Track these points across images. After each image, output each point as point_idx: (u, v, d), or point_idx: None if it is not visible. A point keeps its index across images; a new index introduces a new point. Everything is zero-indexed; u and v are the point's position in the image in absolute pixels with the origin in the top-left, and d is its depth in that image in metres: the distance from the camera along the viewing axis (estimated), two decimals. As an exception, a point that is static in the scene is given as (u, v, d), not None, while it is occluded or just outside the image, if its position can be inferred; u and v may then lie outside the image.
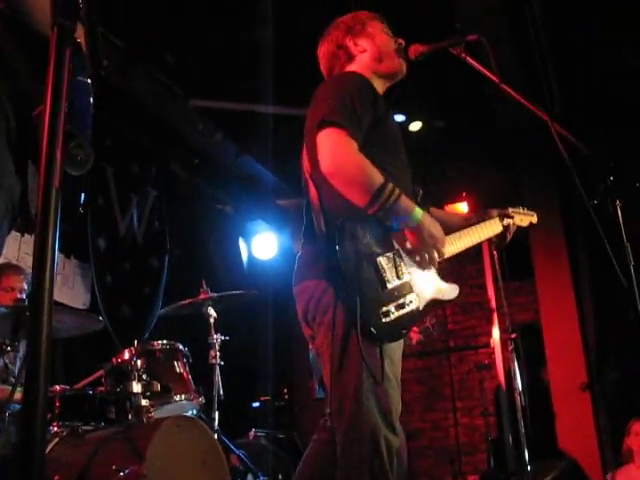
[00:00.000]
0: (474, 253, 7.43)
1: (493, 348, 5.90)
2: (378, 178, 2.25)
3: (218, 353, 4.49)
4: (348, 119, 2.29)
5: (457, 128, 6.94)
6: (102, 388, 3.62)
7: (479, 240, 2.83)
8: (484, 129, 6.83)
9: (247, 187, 7.40)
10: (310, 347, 2.75)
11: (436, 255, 2.39)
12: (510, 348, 5.27)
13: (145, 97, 5.78)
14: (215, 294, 4.55)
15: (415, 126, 6.81)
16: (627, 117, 6.03)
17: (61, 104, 1.19)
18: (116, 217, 5.96)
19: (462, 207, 6.95)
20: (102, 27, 1.42)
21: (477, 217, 2.96)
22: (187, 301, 4.53)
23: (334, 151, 2.26)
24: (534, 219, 3.22)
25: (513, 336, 5.25)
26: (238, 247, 7.70)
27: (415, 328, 5.35)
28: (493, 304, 5.93)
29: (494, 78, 2.78)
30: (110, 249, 5.78)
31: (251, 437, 5.11)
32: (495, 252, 5.65)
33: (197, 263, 6.79)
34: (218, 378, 4.44)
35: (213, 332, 4.53)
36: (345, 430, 2.24)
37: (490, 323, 6.79)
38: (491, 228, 2.91)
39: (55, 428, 3.26)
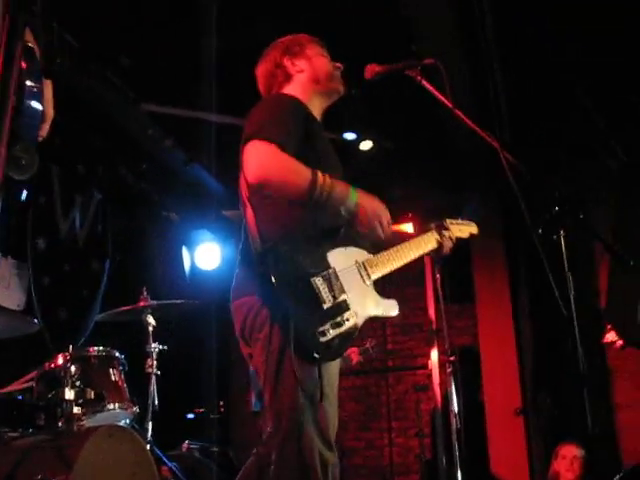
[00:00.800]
0: (416, 275, 7.48)
1: (431, 369, 5.94)
2: (306, 171, 2.29)
3: (155, 362, 4.42)
4: (275, 133, 2.31)
5: (406, 149, 7.00)
6: (33, 393, 3.50)
7: (417, 254, 2.83)
8: (433, 151, 6.91)
9: (194, 195, 7.32)
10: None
11: (385, 223, 2.42)
12: (448, 370, 5.31)
13: (97, 98, 5.68)
14: (155, 302, 4.48)
15: (365, 145, 6.84)
16: (576, 149, 6.18)
17: (8, 99, 1.15)
18: (58, 218, 5.82)
19: (407, 227, 6.98)
20: (56, 25, 1.38)
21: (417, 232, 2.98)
22: (126, 307, 4.44)
23: (259, 159, 2.28)
24: (474, 229, 3.21)
25: (452, 359, 5.30)
26: (181, 256, 7.61)
27: (355, 349, 5.36)
28: (434, 325, 5.97)
29: (448, 103, 2.81)
30: (49, 250, 5.63)
31: (184, 449, 5.03)
32: (438, 274, 5.71)
33: (139, 269, 6.67)
34: (154, 388, 4.37)
35: (151, 340, 4.46)
36: (280, 446, 2.25)
37: (429, 345, 6.84)
38: (428, 241, 2.92)
39: (-21, 434, 3.14)
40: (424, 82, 2.81)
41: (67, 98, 5.44)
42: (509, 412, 6.42)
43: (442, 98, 2.81)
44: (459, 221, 3.13)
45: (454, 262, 6.81)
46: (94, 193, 6.30)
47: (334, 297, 2.29)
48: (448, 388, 5.28)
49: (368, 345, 5.64)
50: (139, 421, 4.13)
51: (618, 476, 4.55)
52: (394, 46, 5.13)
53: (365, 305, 2.43)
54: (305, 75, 2.72)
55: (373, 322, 7.90)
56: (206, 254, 7.67)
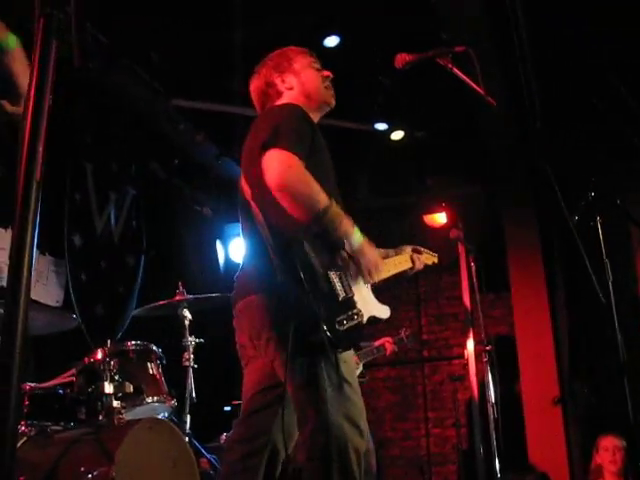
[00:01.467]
0: (450, 264, 7.45)
1: (467, 359, 5.91)
2: (324, 198, 2.33)
3: (192, 356, 4.45)
4: (293, 143, 2.36)
5: (438, 139, 6.96)
6: (73, 388, 3.55)
7: (393, 272, 2.95)
8: (465, 141, 6.85)
9: (226, 189, 7.35)
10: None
11: (375, 275, 2.50)
12: (484, 360, 5.28)
13: (127, 95, 5.73)
14: (191, 296, 4.51)
15: (397, 135, 6.82)
16: (608, 136, 6.09)
17: (45, 97, 1.16)
18: (93, 215, 5.88)
19: (440, 217, 6.95)
20: (89, 24, 1.40)
21: (394, 251, 3.13)
22: (162, 302, 4.48)
23: (283, 168, 2.32)
24: (435, 260, 3.40)
25: (488, 348, 5.27)
26: (215, 249, 7.65)
27: (389, 339, 5.36)
28: (470, 315, 5.94)
29: (480, 90, 2.79)
30: (86, 247, 5.70)
31: (222, 441, 5.06)
32: (472, 263, 5.68)
33: (173, 264, 6.73)
34: (191, 381, 4.40)
35: (187, 334, 4.49)
36: (310, 438, 2.29)
37: (464, 334, 6.81)
38: (405, 262, 3.07)
39: (23, 427, 3.19)
40: (455, 70, 2.79)
41: (97, 95, 5.50)
42: (546, 401, 6.36)
43: (474, 86, 2.79)
44: (426, 250, 3.36)
45: (489, 251, 6.84)
46: (128, 189, 6.35)
47: (346, 292, 2.36)
48: (485, 378, 5.25)
49: (402, 335, 5.62)
50: (177, 414, 4.17)
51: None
52: (424, 35, 5.11)
53: (367, 305, 2.52)
54: (295, 92, 2.75)
55: (408, 312, 7.85)
56: (240, 247, 7.70)
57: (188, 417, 4.27)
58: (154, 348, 3.99)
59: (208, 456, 4.34)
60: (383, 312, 2.68)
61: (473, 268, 5.64)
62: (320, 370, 2.26)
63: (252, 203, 2.50)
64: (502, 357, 6.12)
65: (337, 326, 2.25)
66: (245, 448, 2.49)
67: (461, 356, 7.22)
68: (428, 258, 3.34)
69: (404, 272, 3.06)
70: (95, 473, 2.85)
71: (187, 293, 4.52)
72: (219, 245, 7.73)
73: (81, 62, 1.20)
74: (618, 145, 6.11)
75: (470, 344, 5.88)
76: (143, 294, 6.04)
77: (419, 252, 3.20)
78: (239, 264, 2.69)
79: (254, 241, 2.49)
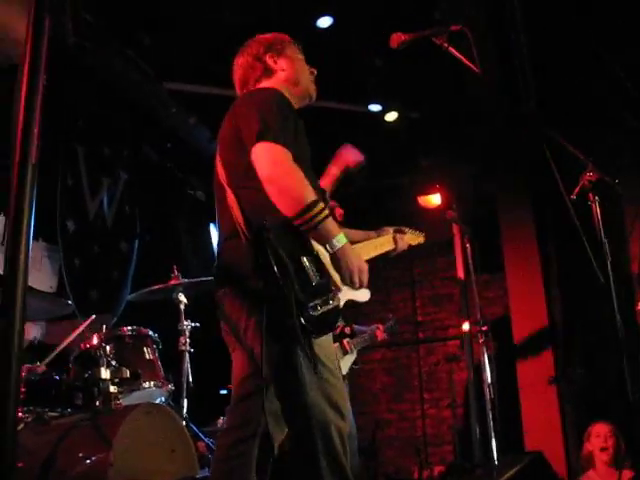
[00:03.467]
0: (445, 245, 7.44)
1: (463, 340, 5.92)
2: (311, 194, 2.31)
3: (188, 340, 4.44)
4: (283, 135, 2.36)
5: (432, 120, 6.94)
6: (69, 374, 3.54)
7: (374, 254, 2.96)
8: (459, 122, 6.83)
9: (220, 173, 7.32)
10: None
11: (358, 282, 2.42)
12: (480, 341, 5.29)
13: (119, 78, 5.67)
14: (186, 280, 4.49)
15: (391, 116, 6.80)
16: (602, 114, 6.07)
17: (39, 76, 1.14)
18: (86, 199, 5.85)
19: (434, 199, 6.93)
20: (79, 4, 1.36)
21: (376, 233, 3.17)
22: (158, 286, 4.46)
23: (274, 160, 2.33)
24: (421, 239, 3.44)
25: (484, 328, 5.27)
26: (209, 233, 7.63)
27: (380, 326, 5.32)
28: (465, 296, 5.94)
29: (475, 69, 2.77)
30: (79, 232, 5.67)
31: (219, 425, 5.06)
32: (468, 244, 5.67)
33: (167, 248, 6.70)
34: (187, 365, 4.40)
35: (183, 318, 4.48)
36: (294, 423, 2.32)
37: (459, 315, 6.82)
38: (387, 243, 3.09)
39: (20, 414, 3.18)
40: (451, 49, 2.77)
41: (89, 79, 5.44)
42: (542, 382, 6.38)
43: (470, 65, 2.76)
44: (412, 230, 3.38)
45: (483, 232, 6.82)
46: (120, 174, 6.32)
47: (320, 276, 2.33)
48: (480, 358, 5.26)
49: (392, 323, 5.58)
50: (174, 398, 4.17)
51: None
52: (417, 15, 5.07)
53: (343, 289, 2.47)
54: (285, 74, 2.75)
55: (402, 293, 7.84)
56: (214, 230, 7.69)
57: (185, 401, 4.27)
58: (150, 333, 3.99)
59: (205, 440, 4.34)
60: (361, 295, 2.70)
61: (468, 249, 5.63)
62: (295, 356, 2.25)
63: (226, 187, 2.50)
64: (497, 338, 6.13)
65: (311, 311, 2.23)
66: (237, 434, 2.50)
67: (456, 337, 7.24)
68: (412, 238, 3.34)
69: (386, 253, 3.05)
70: (93, 458, 2.85)
71: (182, 277, 4.50)
72: (213, 229, 7.71)
73: (76, 40, 1.17)
74: (612, 124, 6.11)
75: (466, 325, 5.88)
76: (138, 279, 6.02)
77: (402, 232, 3.21)
78: (216, 246, 2.68)
79: (227, 226, 2.48)
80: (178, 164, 7.03)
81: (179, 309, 4.48)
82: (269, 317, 2.24)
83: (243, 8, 5.32)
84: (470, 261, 5.59)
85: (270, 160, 2.33)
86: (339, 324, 4.62)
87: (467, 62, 2.79)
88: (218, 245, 2.62)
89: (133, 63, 5.57)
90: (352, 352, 4.56)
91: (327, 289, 2.35)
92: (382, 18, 5.18)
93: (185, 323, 4.45)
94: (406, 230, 3.31)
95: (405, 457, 7.61)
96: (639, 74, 5.75)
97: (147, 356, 3.86)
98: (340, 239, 2.35)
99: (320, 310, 2.26)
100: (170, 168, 6.96)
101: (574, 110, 6.15)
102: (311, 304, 2.25)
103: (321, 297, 2.29)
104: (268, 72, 2.75)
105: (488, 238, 7.04)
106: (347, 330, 4.85)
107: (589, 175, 2.83)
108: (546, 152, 2.56)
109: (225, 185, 2.52)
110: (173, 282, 4.47)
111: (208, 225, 7.66)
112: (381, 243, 3.06)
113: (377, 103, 6.66)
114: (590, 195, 2.83)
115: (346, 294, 2.51)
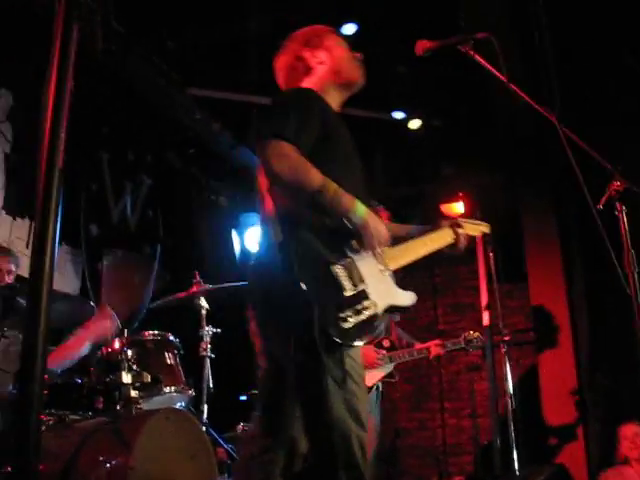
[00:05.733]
0: (467, 254, 7.38)
1: (484, 350, 5.86)
2: (317, 178, 2.27)
3: (209, 345, 4.44)
4: (290, 131, 2.31)
5: (455, 127, 6.91)
6: (91, 377, 3.56)
7: (431, 249, 2.81)
8: (482, 129, 6.80)
9: (242, 179, 7.33)
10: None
11: (380, 246, 2.37)
12: (502, 350, 5.24)
13: (143, 84, 5.71)
14: (208, 286, 4.49)
15: (414, 124, 6.78)
16: (629, 119, 6.00)
17: (67, 82, 1.14)
18: (109, 204, 5.89)
19: (458, 207, 6.90)
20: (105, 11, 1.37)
21: (429, 228, 2.93)
22: (180, 295, 4.47)
23: (274, 157, 2.29)
24: (486, 229, 3.16)
25: (506, 338, 5.22)
26: (231, 239, 7.64)
27: (438, 342, 5.17)
28: (487, 305, 5.87)
29: (502, 77, 2.74)
30: (102, 236, 5.71)
31: (239, 431, 5.06)
32: (490, 253, 5.62)
33: (189, 253, 6.73)
34: (208, 371, 4.39)
35: (205, 324, 4.48)
36: (316, 437, 2.30)
37: (481, 324, 6.76)
38: (443, 238, 2.87)
39: (42, 416, 3.20)
40: (477, 57, 2.75)
41: (113, 85, 5.47)
42: (565, 393, 6.32)
43: (496, 72, 2.74)
44: (473, 220, 3.12)
45: (506, 240, 6.77)
46: (144, 179, 6.35)
47: (354, 285, 2.29)
48: (502, 368, 5.21)
49: (474, 337, 5.09)
50: (194, 404, 4.16)
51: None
52: (441, 23, 5.05)
53: (383, 295, 2.40)
54: (326, 67, 2.70)
55: (425, 302, 7.79)
56: (256, 237, 7.69)
57: (205, 407, 4.27)
58: (171, 338, 3.99)
59: (225, 446, 4.33)
60: (405, 299, 2.51)
61: (491, 258, 5.59)
62: (322, 367, 2.21)
63: (266, 195, 2.47)
64: (520, 347, 6.08)
65: (340, 323, 2.19)
66: (262, 443, 2.48)
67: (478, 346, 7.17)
68: (474, 229, 3.05)
69: (445, 249, 2.85)
70: (113, 462, 2.85)
71: (204, 283, 4.51)
72: (235, 234, 7.72)
73: (103, 45, 1.18)
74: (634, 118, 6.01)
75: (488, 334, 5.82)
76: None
77: (459, 226, 2.91)
78: (255, 253, 2.67)
79: (264, 235, 2.47)
80: (201, 170, 7.06)
81: (200, 314, 4.48)
82: (297, 330, 2.23)
83: (267, 15, 5.34)
84: (493, 270, 5.55)
85: (269, 160, 2.29)
86: (380, 336, 4.49)
87: (494, 71, 2.77)
88: (257, 250, 2.60)
89: (158, 69, 5.61)
90: (387, 364, 4.51)
91: (363, 297, 2.29)
92: (406, 25, 5.17)
93: (206, 328, 4.45)
94: (465, 221, 3.00)
95: (425, 466, 7.57)
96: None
97: (168, 361, 3.87)
98: (361, 210, 2.30)
99: (351, 322, 2.22)
100: (193, 174, 6.99)
101: (599, 112, 6.09)
102: (342, 315, 2.20)
103: (354, 307, 2.25)
104: (309, 69, 2.71)
105: (511, 247, 6.98)
106: (385, 343, 4.76)
107: (616, 184, 2.79)
108: (571, 160, 2.53)
109: (265, 192, 2.49)
110: (195, 288, 4.48)
111: (230, 231, 7.67)
112: (439, 237, 2.85)
113: (401, 110, 6.65)
114: (618, 205, 2.80)
115: (387, 299, 2.40)
